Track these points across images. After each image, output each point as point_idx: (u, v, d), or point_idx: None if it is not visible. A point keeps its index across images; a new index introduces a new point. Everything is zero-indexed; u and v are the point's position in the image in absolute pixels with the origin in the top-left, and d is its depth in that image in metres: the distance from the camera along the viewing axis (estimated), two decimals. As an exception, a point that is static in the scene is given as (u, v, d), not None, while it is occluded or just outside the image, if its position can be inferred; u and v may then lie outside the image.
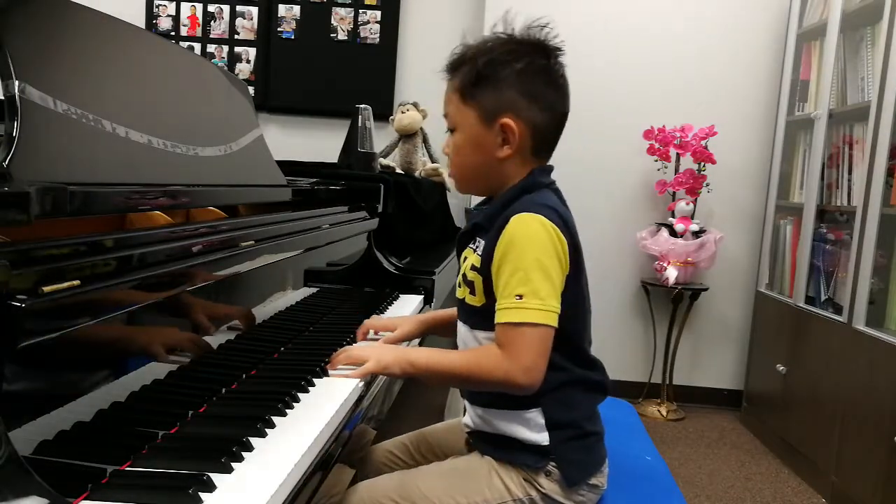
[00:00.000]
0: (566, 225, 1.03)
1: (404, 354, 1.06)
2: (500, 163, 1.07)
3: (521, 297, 0.97)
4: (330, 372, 1.05)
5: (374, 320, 1.32)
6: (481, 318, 1.06)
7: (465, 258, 1.09)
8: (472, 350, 1.09)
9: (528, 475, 1.05)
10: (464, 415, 1.17)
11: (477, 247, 1.07)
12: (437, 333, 1.32)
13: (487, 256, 1.03)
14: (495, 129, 1.05)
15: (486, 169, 1.08)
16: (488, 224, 1.05)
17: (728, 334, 3.34)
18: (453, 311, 1.29)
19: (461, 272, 1.10)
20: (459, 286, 1.11)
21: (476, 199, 1.20)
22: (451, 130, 1.10)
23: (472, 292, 1.07)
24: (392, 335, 1.25)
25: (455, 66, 1.08)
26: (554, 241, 1.00)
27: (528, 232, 1.00)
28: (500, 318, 0.99)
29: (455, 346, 1.17)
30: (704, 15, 3.21)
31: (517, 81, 1.04)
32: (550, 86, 1.07)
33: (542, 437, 1.04)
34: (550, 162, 1.12)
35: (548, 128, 1.07)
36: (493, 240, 1.02)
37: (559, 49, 1.08)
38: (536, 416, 1.04)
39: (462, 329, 1.13)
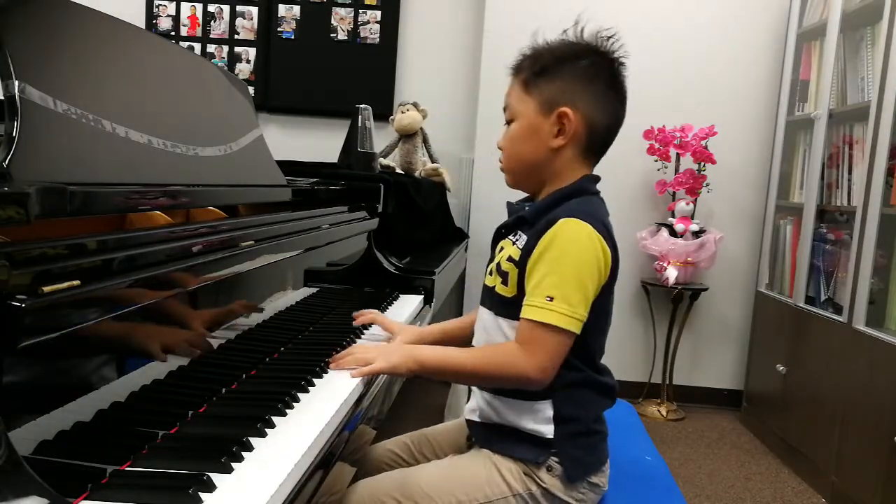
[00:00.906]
0: (610, 235, 1.05)
1: (411, 353, 1.07)
2: (553, 154, 1.09)
3: (551, 298, 0.99)
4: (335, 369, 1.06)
5: (380, 316, 1.33)
6: (508, 307, 1.08)
7: (502, 248, 1.11)
8: (484, 348, 1.10)
9: (528, 469, 1.06)
10: (467, 400, 1.17)
11: (517, 239, 1.08)
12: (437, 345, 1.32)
13: (528, 250, 1.04)
14: (552, 118, 1.07)
15: (538, 159, 1.10)
16: (534, 219, 1.07)
17: (728, 334, 3.34)
18: (459, 322, 1.29)
19: (495, 261, 1.11)
20: (490, 274, 1.12)
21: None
22: (509, 122, 1.13)
23: (505, 283, 1.08)
24: (391, 343, 1.24)
25: (521, 63, 1.12)
26: (597, 253, 1.02)
27: (573, 238, 1.01)
28: (525, 313, 1.01)
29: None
30: (704, 15, 3.21)
31: (579, 77, 1.07)
32: (611, 88, 1.10)
33: (547, 430, 1.06)
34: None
35: (602, 128, 1.09)
36: (536, 236, 1.04)
37: (622, 59, 1.11)
38: (546, 408, 1.06)
39: (486, 315, 1.14)
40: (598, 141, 1.10)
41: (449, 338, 1.26)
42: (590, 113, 1.07)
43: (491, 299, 1.12)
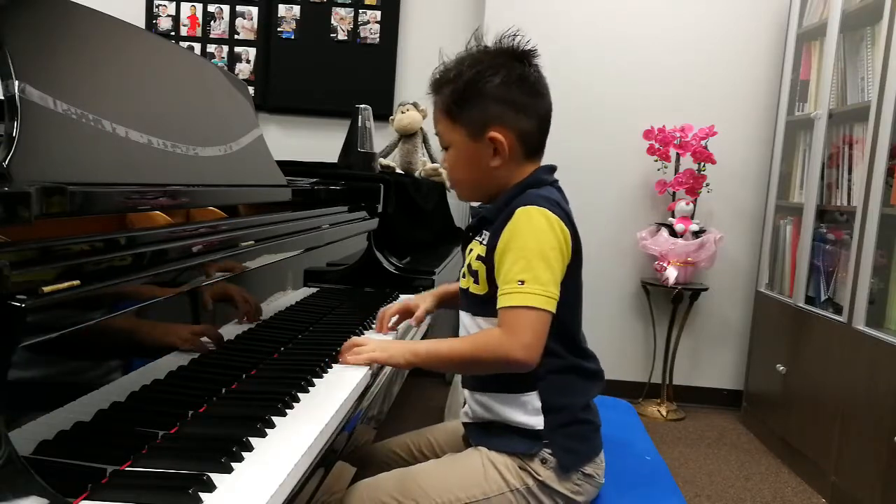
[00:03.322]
0: (568, 217, 1.08)
1: (407, 346, 1.11)
2: (495, 171, 1.12)
3: (522, 282, 1.02)
4: (336, 359, 1.09)
5: (391, 305, 1.37)
6: (484, 305, 1.11)
7: (471, 250, 1.15)
8: (471, 335, 1.12)
9: (523, 463, 1.08)
10: (463, 405, 1.19)
11: (483, 238, 1.12)
12: (449, 306, 1.38)
13: (492, 246, 1.08)
14: (485, 142, 1.10)
15: (482, 179, 1.14)
16: (494, 217, 1.11)
17: (728, 334, 3.34)
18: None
19: (466, 263, 1.15)
20: (464, 276, 1.16)
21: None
22: (445, 148, 1.16)
23: (476, 281, 1.12)
24: (418, 313, 1.32)
25: (438, 86, 1.14)
26: (556, 233, 1.05)
27: (531, 223, 1.04)
28: (502, 302, 1.04)
29: (454, 333, 1.20)
30: (704, 15, 3.21)
31: (498, 95, 1.09)
32: (530, 92, 1.12)
33: (537, 421, 1.08)
34: (554, 162, 1.17)
35: (533, 131, 1.13)
36: (498, 230, 1.07)
37: (533, 53, 1.13)
38: (533, 399, 1.08)
39: (465, 318, 1.17)
40: (533, 143, 1.14)
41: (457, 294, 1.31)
42: (517, 125, 1.10)
43: (467, 301, 1.16)
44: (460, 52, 1.14)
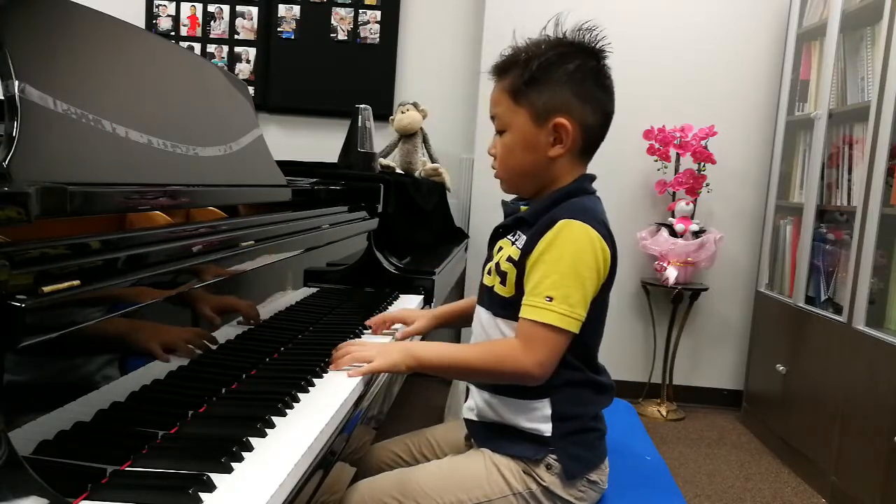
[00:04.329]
0: (610, 235, 1.06)
1: (409, 350, 1.06)
2: (551, 162, 1.09)
3: (551, 299, 1.00)
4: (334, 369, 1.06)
5: (390, 312, 1.36)
6: (507, 308, 1.08)
7: (501, 248, 1.11)
8: (483, 343, 1.10)
9: (527, 468, 1.07)
10: (465, 400, 1.18)
11: (516, 239, 1.08)
12: (447, 326, 1.36)
13: (527, 251, 1.05)
14: (548, 128, 1.07)
15: (537, 168, 1.10)
16: (533, 220, 1.07)
17: (728, 334, 3.34)
18: (464, 304, 1.31)
19: (494, 261, 1.11)
20: (489, 273, 1.12)
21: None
22: (500, 132, 1.12)
23: (503, 283, 1.08)
24: (409, 329, 1.29)
25: (505, 68, 1.10)
26: (596, 253, 1.02)
27: (573, 239, 1.02)
28: (526, 313, 1.02)
29: (454, 337, 1.19)
30: (704, 15, 3.21)
31: (569, 82, 1.06)
32: (600, 87, 1.09)
33: (546, 428, 1.06)
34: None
35: (597, 128, 1.10)
36: (535, 236, 1.04)
37: (606, 52, 1.11)
38: (544, 406, 1.06)
39: (484, 315, 1.14)
40: (594, 139, 1.11)
41: (460, 315, 1.33)
42: (583, 117, 1.07)
43: (490, 299, 1.13)
44: (534, 37, 1.10)
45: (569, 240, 1.01)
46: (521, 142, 1.09)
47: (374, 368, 1.04)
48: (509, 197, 1.20)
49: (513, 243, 1.08)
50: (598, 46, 1.10)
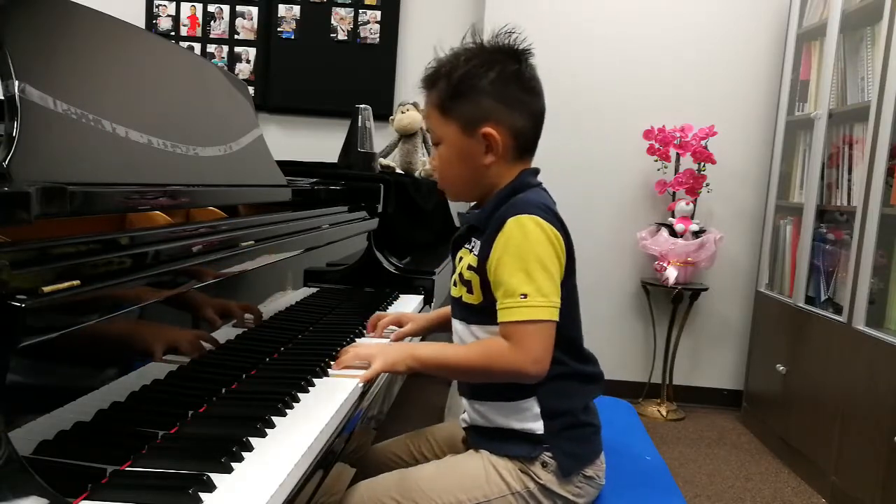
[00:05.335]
0: (560, 222, 1.07)
1: (409, 351, 1.08)
2: (487, 169, 1.11)
3: (525, 295, 1.00)
4: (336, 372, 1.06)
5: (385, 314, 1.36)
6: (478, 314, 1.09)
7: (461, 258, 1.13)
8: (480, 343, 1.10)
9: (524, 467, 1.07)
10: (463, 412, 1.18)
11: (473, 247, 1.10)
12: (441, 330, 1.36)
13: (484, 256, 1.06)
14: (477, 137, 1.08)
15: (473, 177, 1.12)
16: (483, 225, 1.09)
17: (728, 334, 3.34)
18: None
19: (457, 272, 1.13)
20: (455, 285, 1.14)
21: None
22: (436, 144, 1.14)
23: (470, 291, 1.10)
24: (402, 331, 1.30)
25: (431, 82, 1.13)
26: (552, 240, 1.03)
27: (526, 233, 1.03)
28: (505, 316, 1.02)
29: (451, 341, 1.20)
30: (704, 15, 3.21)
31: (492, 90, 1.08)
32: (524, 90, 1.10)
33: (537, 426, 1.07)
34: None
35: (527, 130, 1.11)
36: (489, 240, 1.05)
37: (528, 52, 1.11)
38: (532, 405, 1.07)
39: (458, 326, 1.16)
40: (526, 141, 1.12)
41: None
42: (512, 122, 1.08)
43: (461, 310, 1.14)
44: (455, 47, 1.12)
45: (521, 235, 1.02)
46: (456, 153, 1.11)
47: (375, 371, 1.05)
48: (465, 208, 1.22)
49: (470, 251, 1.10)
50: (519, 48, 1.11)
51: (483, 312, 1.07)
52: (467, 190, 1.16)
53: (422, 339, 1.38)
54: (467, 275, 1.09)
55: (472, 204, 1.20)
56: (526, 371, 1.00)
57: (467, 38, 1.12)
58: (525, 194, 1.08)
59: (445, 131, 1.11)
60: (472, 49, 1.11)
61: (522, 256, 1.01)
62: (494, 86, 1.07)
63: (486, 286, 1.06)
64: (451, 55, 1.12)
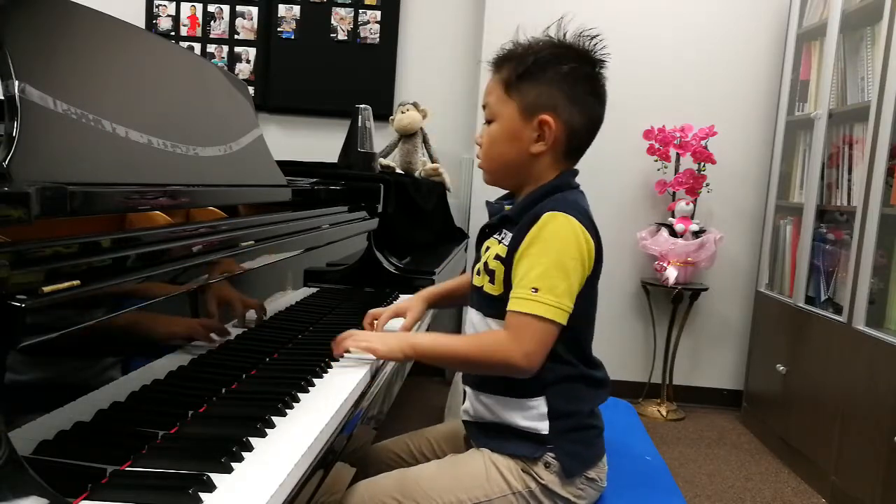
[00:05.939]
0: (594, 228, 1.07)
1: (406, 339, 1.09)
2: (532, 158, 1.10)
3: (536, 290, 1.00)
4: (336, 359, 1.08)
5: (379, 310, 1.32)
6: (497, 307, 1.08)
7: (488, 248, 1.12)
8: (474, 335, 1.11)
9: (526, 466, 1.07)
10: (463, 401, 1.18)
11: (503, 238, 1.09)
12: (440, 306, 1.36)
13: (514, 247, 1.06)
14: (533, 123, 1.08)
15: (517, 162, 1.11)
16: (517, 217, 1.08)
17: (728, 334, 3.34)
18: (456, 281, 1.32)
19: (482, 261, 1.12)
20: (478, 274, 1.13)
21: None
22: (489, 122, 1.13)
23: (492, 281, 1.09)
24: (406, 321, 1.28)
25: (502, 61, 1.11)
26: (580, 244, 1.04)
27: (557, 230, 1.03)
28: (512, 305, 1.02)
29: (455, 329, 1.19)
30: (704, 15, 3.21)
31: (561, 82, 1.07)
32: (591, 93, 1.10)
33: (542, 426, 1.07)
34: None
35: (583, 132, 1.11)
36: (521, 232, 1.05)
37: (604, 61, 1.12)
38: (540, 404, 1.07)
39: (475, 317, 1.15)
40: (577, 144, 1.12)
41: (452, 293, 1.33)
42: (570, 118, 1.08)
43: (479, 299, 1.14)
44: (536, 36, 1.12)
45: (553, 232, 1.02)
46: (507, 133, 1.10)
47: (371, 349, 1.06)
48: (493, 197, 1.21)
49: (500, 241, 1.10)
50: (597, 55, 1.11)
51: (502, 304, 1.06)
52: (505, 173, 1.14)
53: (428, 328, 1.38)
54: (492, 264, 1.09)
55: (502, 194, 1.20)
56: (515, 362, 1.00)
57: (552, 31, 1.12)
58: (566, 194, 1.09)
59: (503, 109, 1.10)
60: (553, 41, 1.11)
61: (547, 252, 1.02)
62: (565, 78, 1.07)
63: (509, 278, 1.06)
64: (530, 41, 1.11)
